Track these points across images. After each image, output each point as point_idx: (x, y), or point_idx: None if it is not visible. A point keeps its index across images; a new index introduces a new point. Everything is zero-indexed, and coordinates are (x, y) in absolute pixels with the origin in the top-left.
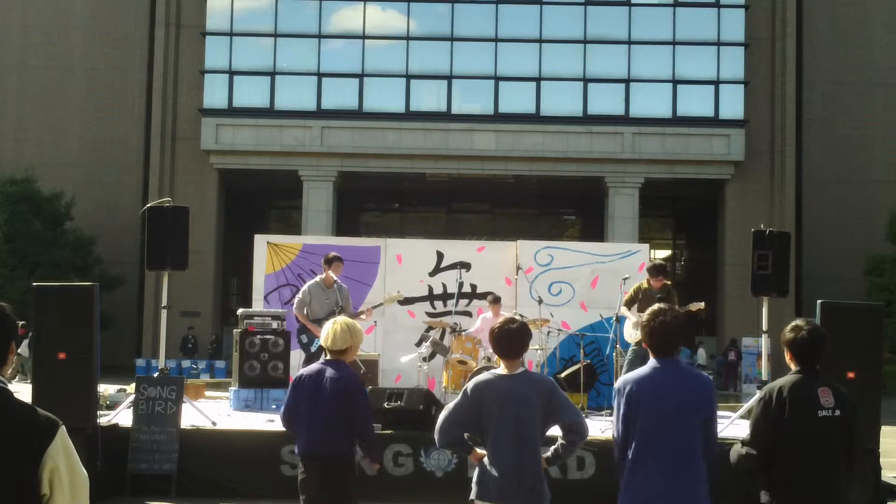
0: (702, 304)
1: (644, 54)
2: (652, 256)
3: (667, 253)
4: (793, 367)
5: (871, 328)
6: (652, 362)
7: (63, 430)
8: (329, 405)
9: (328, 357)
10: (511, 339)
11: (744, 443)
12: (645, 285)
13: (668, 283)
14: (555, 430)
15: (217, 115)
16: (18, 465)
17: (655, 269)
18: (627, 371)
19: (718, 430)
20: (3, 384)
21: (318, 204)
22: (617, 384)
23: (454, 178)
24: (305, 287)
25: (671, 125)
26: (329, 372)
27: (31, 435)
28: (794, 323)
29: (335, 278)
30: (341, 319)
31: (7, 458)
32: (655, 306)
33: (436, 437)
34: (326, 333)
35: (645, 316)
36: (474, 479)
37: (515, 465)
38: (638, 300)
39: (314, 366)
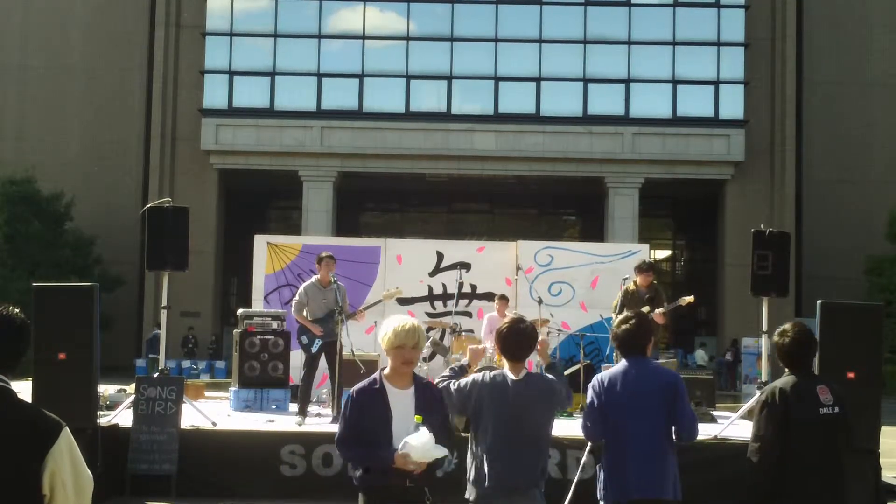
0: (691, 298)
1: (644, 54)
2: (652, 256)
3: (667, 253)
4: (786, 369)
5: (871, 328)
6: (623, 362)
7: (67, 431)
8: None
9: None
10: (519, 339)
11: (753, 441)
12: (632, 287)
13: (655, 281)
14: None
15: (217, 116)
16: (20, 466)
17: (646, 265)
18: None
19: (719, 430)
20: (6, 384)
21: (318, 204)
22: (591, 381)
23: (454, 179)
24: (301, 289)
25: (671, 125)
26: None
27: (34, 436)
28: (781, 327)
29: (332, 277)
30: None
31: (9, 458)
32: (622, 314)
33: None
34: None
35: (614, 324)
36: (470, 479)
37: (516, 467)
38: (627, 303)
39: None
